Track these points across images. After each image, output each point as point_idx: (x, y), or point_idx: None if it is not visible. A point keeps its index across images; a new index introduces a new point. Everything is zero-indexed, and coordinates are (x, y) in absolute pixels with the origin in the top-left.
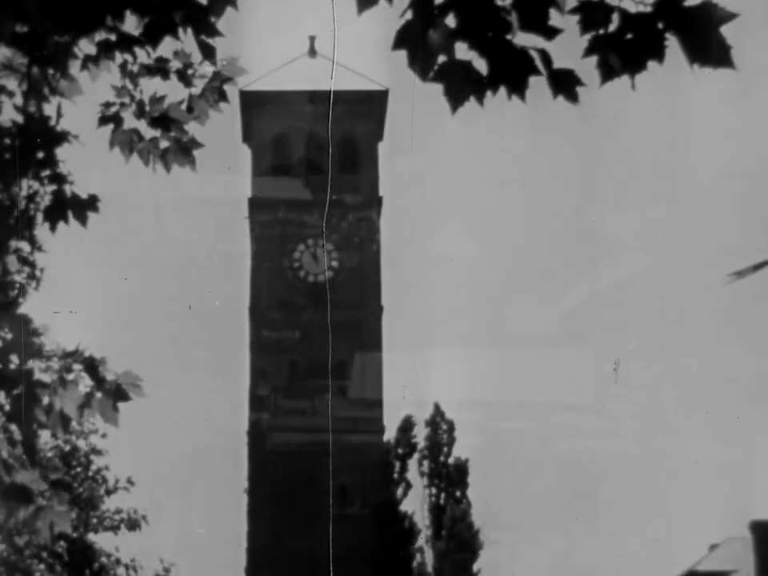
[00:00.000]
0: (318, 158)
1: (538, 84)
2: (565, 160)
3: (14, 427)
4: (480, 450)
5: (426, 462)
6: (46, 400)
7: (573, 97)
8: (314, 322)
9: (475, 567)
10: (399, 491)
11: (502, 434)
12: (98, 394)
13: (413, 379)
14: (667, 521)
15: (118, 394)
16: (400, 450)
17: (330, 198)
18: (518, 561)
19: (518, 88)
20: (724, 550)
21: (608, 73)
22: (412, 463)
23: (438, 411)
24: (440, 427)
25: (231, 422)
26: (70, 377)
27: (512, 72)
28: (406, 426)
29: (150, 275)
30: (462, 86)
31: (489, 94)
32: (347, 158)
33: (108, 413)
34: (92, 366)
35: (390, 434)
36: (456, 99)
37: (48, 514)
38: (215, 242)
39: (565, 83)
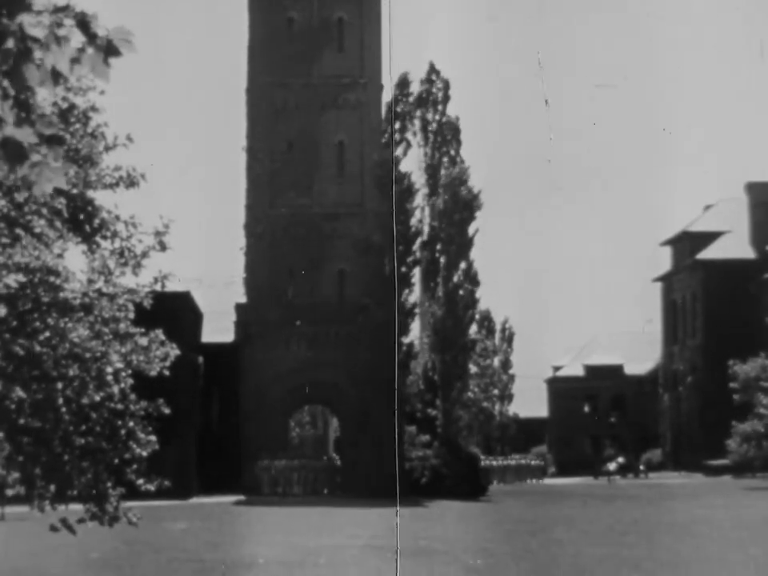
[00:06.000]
0: None
1: None
2: None
3: (5, 83)
4: (475, 109)
5: (417, 122)
6: (37, 55)
7: None
8: None
9: (471, 229)
10: (399, 151)
11: (497, 89)
12: (89, 50)
13: (411, 34)
14: (663, 184)
15: (108, 49)
16: (398, 109)
17: None
18: (516, 230)
19: None
20: (718, 210)
21: None
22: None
23: (433, 69)
24: (435, 85)
25: (231, 81)
26: (61, 32)
27: None
28: (403, 82)
29: None
30: None
31: None
32: None
33: (99, 68)
34: (83, 22)
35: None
36: None
37: (43, 170)
38: None
39: None
